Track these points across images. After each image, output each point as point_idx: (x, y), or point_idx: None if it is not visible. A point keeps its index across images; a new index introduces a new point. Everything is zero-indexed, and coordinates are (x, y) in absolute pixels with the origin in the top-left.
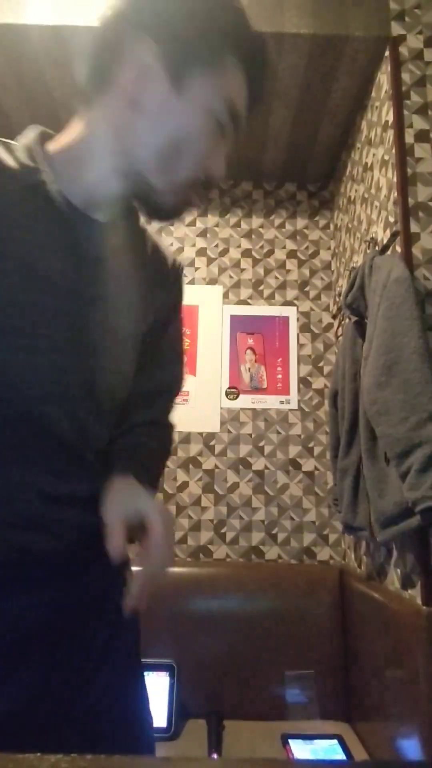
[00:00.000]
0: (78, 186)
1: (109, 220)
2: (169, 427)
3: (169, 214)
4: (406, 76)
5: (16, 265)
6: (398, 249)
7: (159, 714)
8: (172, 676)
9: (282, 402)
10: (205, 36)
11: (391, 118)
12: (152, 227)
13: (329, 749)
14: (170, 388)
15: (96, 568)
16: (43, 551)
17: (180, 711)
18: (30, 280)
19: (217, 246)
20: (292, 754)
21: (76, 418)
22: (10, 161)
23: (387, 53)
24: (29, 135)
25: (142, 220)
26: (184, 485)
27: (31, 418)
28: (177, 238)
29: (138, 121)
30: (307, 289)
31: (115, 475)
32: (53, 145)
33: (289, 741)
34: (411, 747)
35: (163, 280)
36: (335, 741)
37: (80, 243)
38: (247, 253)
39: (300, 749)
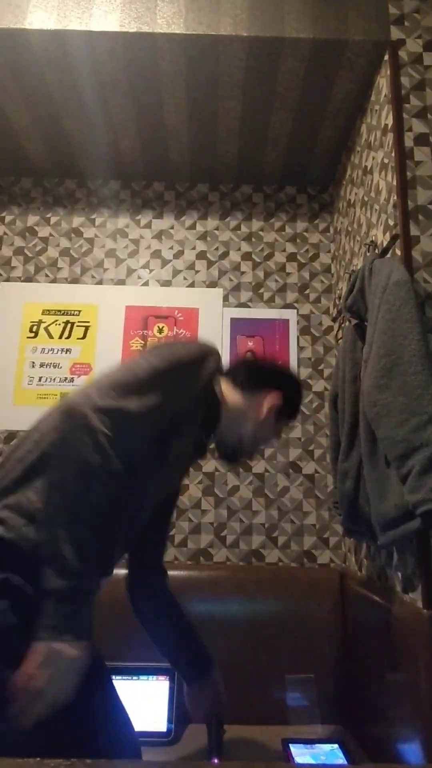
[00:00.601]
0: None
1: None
2: None
3: (235, 462)
4: (405, 80)
5: (178, 460)
6: (398, 252)
7: (159, 719)
8: (172, 680)
9: None
10: (294, 412)
11: (390, 121)
12: None
13: (330, 754)
14: None
15: None
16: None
17: (180, 715)
18: (173, 469)
19: (217, 249)
20: (293, 759)
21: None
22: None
23: (386, 57)
24: (221, 383)
25: None
26: (185, 488)
27: (138, 528)
28: (177, 242)
29: (260, 424)
30: (307, 291)
31: (212, 662)
32: (223, 388)
33: (290, 745)
34: (412, 752)
35: None
36: (336, 745)
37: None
38: (247, 256)
39: (301, 754)
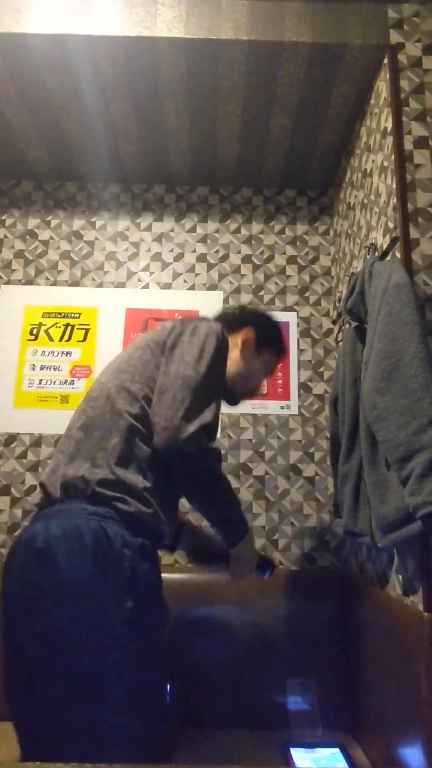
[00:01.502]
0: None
1: None
2: None
3: (234, 403)
4: (404, 84)
5: None
6: (398, 254)
7: None
8: (171, 682)
9: (282, 407)
10: (273, 342)
11: (390, 124)
12: None
13: (331, 758)
14: None
15: None
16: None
17: (179, 719)
18: None
19: (217, 252)
20: (294, 763)
21: None
22: None
23: (386, 61)
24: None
25: None
26: None
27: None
28: (177, 244)
29: (239, 361)
30: (307, 294)
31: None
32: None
33: (291, 750)
34: (414, 755)
35: None
36: (337, 749)
37: None
38: (247, 259)
39: (302, 758)
